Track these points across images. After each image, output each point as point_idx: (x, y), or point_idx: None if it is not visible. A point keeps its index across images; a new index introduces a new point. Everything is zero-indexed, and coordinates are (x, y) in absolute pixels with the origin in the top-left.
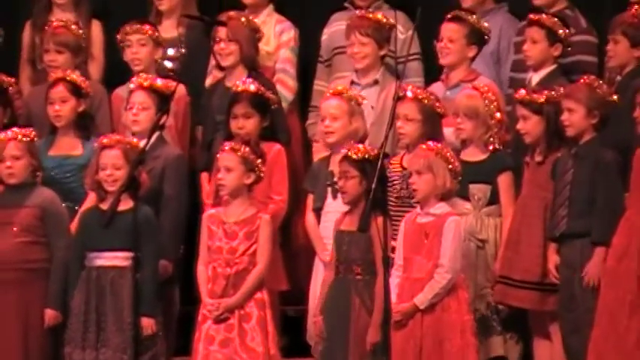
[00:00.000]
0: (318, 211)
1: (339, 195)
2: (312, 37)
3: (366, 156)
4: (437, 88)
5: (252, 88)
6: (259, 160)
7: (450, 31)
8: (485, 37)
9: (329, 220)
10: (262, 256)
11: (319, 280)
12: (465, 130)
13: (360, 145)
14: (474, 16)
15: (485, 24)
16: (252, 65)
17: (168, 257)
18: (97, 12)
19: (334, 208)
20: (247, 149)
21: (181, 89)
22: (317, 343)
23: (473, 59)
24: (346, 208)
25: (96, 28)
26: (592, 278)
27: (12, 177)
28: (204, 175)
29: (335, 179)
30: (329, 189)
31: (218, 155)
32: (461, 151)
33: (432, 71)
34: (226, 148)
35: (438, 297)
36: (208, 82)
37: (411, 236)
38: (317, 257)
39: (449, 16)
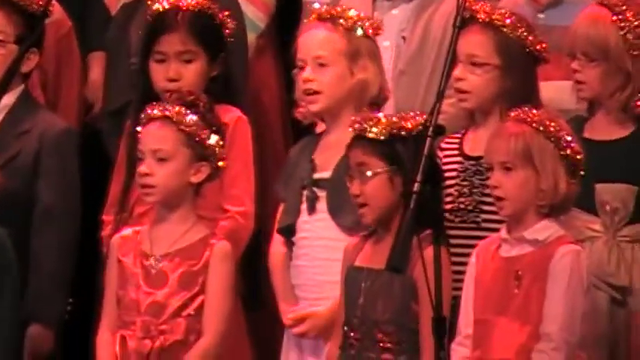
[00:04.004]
0: (288, 233)
1: (320, 206)
2: None
3: (401, 132)
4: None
5: (192, 2)
6: (217, 139)
7: None
8: None
9: (302, 251)
10: (213, 317)
11: None
12: (587, 82)
13: (388, 114)
14: None
15: None
16: None
17: (45, 320)
18: None
19: (314, 230)
20: (195, 118)
21: (58, 8)
22: None
23: None
24: (336, 231)
25: None
26: None
27: None
28: None
29: (317, 176)
30: (304, 194)
31: (139, 130)
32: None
33: None
34: (155, 114)
35: None
36: None
37: (489, 282)
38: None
39: None
